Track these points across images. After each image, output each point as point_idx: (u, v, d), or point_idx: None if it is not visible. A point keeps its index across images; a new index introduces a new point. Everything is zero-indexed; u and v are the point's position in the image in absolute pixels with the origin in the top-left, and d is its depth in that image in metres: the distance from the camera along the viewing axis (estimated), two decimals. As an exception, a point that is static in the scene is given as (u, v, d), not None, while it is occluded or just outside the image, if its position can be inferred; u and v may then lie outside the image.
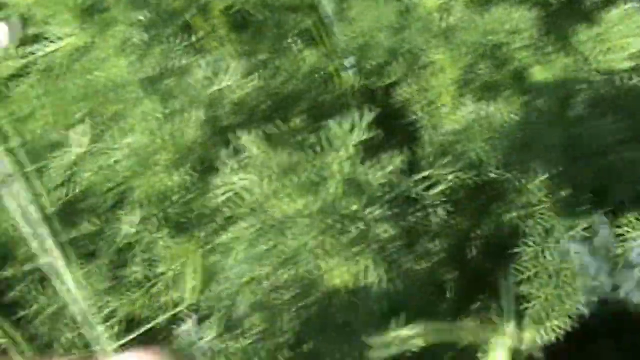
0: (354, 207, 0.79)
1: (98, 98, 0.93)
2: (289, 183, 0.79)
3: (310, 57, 1.14)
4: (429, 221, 0.90)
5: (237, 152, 0.85)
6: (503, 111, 0.96)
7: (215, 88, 0.92)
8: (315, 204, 0.78)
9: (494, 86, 0.99)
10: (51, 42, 0.91)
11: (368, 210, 0.80)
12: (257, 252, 0.78)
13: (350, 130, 0.79)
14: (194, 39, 1.10)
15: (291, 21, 1.18)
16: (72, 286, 0.40)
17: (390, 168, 0.80)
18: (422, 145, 0.97)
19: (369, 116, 0.79)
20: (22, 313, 1.04)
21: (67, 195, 0.93)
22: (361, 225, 0.79)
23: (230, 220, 0.83)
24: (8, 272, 1.06)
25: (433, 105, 0.98)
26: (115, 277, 0.96)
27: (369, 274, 0.79)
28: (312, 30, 1.18)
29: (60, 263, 0.39)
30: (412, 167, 0.90)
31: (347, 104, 1.07)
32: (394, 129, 1.02)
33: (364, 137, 0.79)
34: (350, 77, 1.05)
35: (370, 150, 0.83)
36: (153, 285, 0.93)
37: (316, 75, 1.12)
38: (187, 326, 0.86)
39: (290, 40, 1.16)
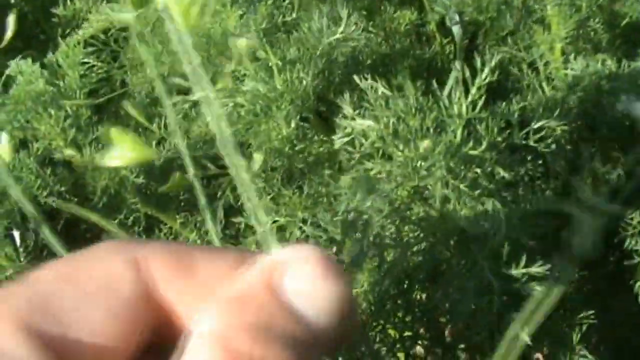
0: (475, 151, 0.80)
1: (211, 48, 0.95)
2: (410, 126, 0.80)
3: (407, 15, 1.14)
4: (539, 171, 0.91)
5: (353, 100, 0.86)
6: (613, 67, 0.96)
7: (329, 39, 0.93)
8: (437, 146, 0.79)
9: (604, 41, 0.99)
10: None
11: (488, 155, 0.80)
12: (380, 192, 0.79)
13: (473, 74, 0.80)
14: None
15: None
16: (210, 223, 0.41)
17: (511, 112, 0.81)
18: (529, 99, 0.97)
19: (493, 59, 0.79)
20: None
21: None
22: (481, 169, 0.80)
23: (348, 166, 0.84)
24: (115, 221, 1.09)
25: (541, 61, 0.98)
26: (226, 225, 0.98)
27: (489, 216, 0.80)
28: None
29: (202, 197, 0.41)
30: (521, 119, 0.90)
31: (450, 60, 1.07)
32: (499, 82, 1.02)
33: (486, 81, 0.80)
34: (453, 33, 1.06)
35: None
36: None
37: (415, 33, 1.13)
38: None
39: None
